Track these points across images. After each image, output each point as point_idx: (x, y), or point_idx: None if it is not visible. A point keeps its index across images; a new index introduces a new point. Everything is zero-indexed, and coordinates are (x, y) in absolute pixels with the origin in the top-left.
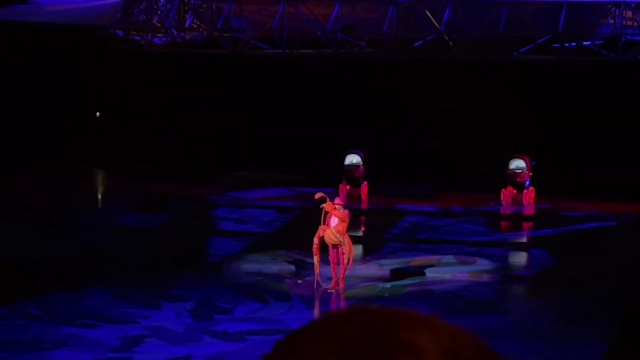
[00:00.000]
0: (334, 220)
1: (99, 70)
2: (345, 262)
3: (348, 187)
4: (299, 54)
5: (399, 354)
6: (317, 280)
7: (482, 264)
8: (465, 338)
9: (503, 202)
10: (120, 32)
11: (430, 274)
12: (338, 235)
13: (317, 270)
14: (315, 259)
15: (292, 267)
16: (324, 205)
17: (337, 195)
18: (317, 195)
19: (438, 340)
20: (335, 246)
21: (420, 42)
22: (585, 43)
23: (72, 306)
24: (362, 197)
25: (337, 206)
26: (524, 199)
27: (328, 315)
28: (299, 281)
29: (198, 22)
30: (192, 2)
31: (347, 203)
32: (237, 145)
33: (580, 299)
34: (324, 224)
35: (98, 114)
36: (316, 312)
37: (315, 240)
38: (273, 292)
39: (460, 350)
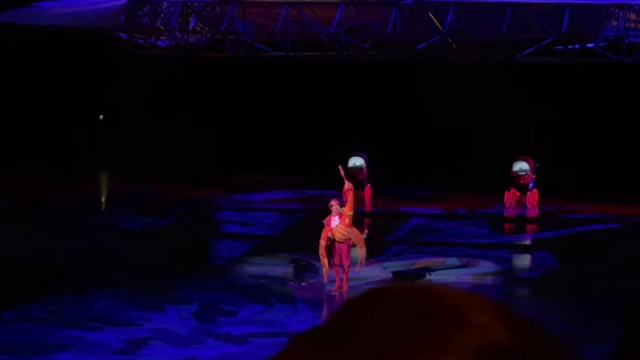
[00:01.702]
0: (334, 221)
1: (102, 73)
2: (360, 251)
3: (352, 187)
4: (302, 56)
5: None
6: (325, 280)
7: (486, 266)
8: (529, 325)
9: (507, 205)
10: (123, 35)
11: (434, 276)
12: (347, 229)
13: (326, 270)
14: (325, 261)
15: (296, 270)
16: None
17: (340, 197)
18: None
19: (512, 329)
20: (344, 241)
21: (423, 44)
22: (588, 45)
23: (77, 309)
24: (366, 200)
25: (333, 207)
26: (527, 201)
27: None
28: (303, 284)
29: (201, 25)
30: (195, 4)
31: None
32: (241, 148)
33: (585, 301)
34: (347, 180)
35: (101, 116)
36: (323, 313)
37: (322, 242)
38: (277, 294)
39: (527, 341)
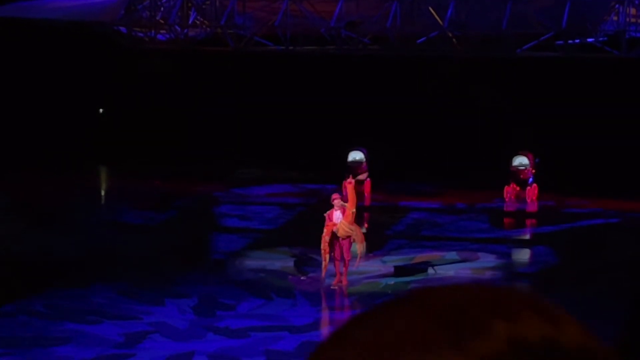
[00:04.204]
0: (336, 214)
1: (102, 67)
2: (359, 247)
3: (353, 181)
4: (302, 50)
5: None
6: (323, 274)
7: (485, 260)
8: (568, 324)
9: (506, 199)
10: (123, 29)
11: (433, 270)
12: (350, 225)
13: (325, 265)
14: (327, 256)
15: (296, 264)
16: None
17: (340, 192)
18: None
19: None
20: (346, 237)
21: (423, 39)
22: (588, 40)
23: (76, 303)
24: (365, 194)
25: (335, 202)
26: (527, 196)
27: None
28: (302, 278)
29: (201, 19)
30: None
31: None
32: (241, 142)
33: (584, 296)
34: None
35: (101, 110)
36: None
37: (326, 238)
38: (276, 288)
39: (562, 339)
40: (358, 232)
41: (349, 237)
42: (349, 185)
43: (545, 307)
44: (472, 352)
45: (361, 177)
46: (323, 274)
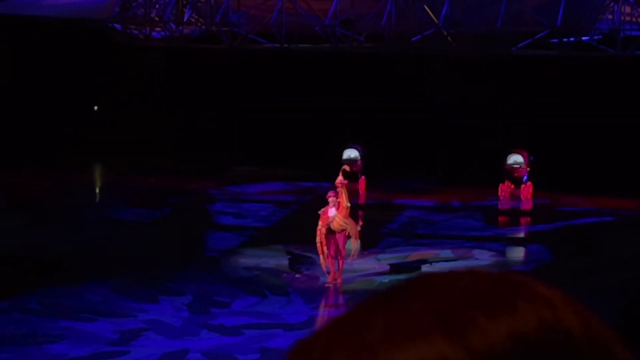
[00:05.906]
0: (331, 212)
1: (97, 64)
2: (354, 243)
3: (346, 181)
4: (297, 48)
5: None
6: (324, 268)
7: (480, 258)
8: (569, 309)
9: (501, 197)
10: (118, 26)
11: (427, 268)
12: (345, 219)
13: (324, 258)
14: (325, 249)
15: (290, 262)
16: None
17: (335, 190)
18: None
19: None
20: (340, 232)
21: (418, 36)
22: (583, 38)
23: (71, 300)
24: (360, 192)
25: (330, 199)
26: (521, 194)
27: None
28: (297, 275)
29: (196, 17)
30: None
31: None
32: (236, 140)
33: (579, 294)
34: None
35: (96, 107)
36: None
37: (322, 229)
38: (271, 286)
39: (563, 326)
40: (353, 227)
41: (343, 230)
42: (340, 185)
43: (544, 294)
44: (467, 345)
45: (346, 168)
46: (324, 267)
